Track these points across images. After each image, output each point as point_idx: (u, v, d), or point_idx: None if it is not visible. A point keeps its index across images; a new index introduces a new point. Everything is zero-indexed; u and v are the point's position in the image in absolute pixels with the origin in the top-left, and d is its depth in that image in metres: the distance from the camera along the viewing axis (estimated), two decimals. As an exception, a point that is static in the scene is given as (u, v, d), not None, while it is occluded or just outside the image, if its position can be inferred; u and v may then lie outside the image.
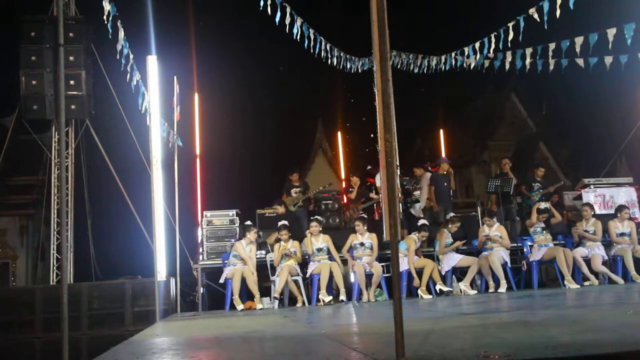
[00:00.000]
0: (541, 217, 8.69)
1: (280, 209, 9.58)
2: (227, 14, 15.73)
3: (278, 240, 8.46)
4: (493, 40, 9.35)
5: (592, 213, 8.70)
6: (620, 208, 8.81)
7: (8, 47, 10.17)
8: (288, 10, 8.32)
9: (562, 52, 9.21)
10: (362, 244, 8.34)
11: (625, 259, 8.34)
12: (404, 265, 8.25)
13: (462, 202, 15.91)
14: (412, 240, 8.47)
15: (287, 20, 8.33)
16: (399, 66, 10.93)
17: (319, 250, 8.31)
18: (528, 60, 9.69)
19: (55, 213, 9.83)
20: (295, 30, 8.55)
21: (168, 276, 8.34)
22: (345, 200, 10.62)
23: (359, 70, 10.72)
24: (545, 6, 8.34)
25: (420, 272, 8.24)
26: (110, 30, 7.72)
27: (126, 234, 10.04)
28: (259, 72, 17.41)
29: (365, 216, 9.03)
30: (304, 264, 8.47)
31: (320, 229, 8.46)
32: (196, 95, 11.14)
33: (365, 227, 8.41)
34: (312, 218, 8.78)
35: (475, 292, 8.36)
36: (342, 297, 7.96)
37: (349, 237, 8.50)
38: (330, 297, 7.96)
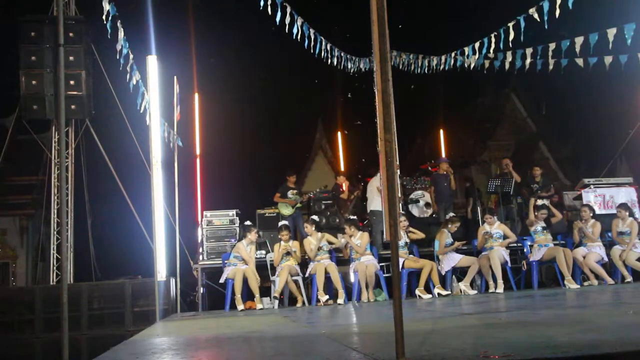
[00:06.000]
0: (540, 214, 8.68)
1: (292, 199, 9.60)
2: (227, 14, 15.73)
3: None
4: (493, 40, 9.35)
5: (592, 214, 8.67)
6: (619, 206, 8.79)
7: (8, 47, 10.16)
8: (288, 10, 8.33)
9: (562, 52, 9.21)
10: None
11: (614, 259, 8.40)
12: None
13: (462, 202, 15.86)
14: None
15: (287, 20, 8.34)
16: (399, 67, 10.93)
17: (319, 249, 8.30)
18: (528, 60, 9.70)
19: (55, 213, 9.82)
20: (295, 30, 8.55)
21: (168, 276, 8.34)
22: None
23: (360, 70, 10.71)
24: (545, 6, 8.35)
25: (419, 272, 8.23)
26: (110, 30, 7.73)
27: (126, 234, 10.03)
28: (259, 72, 17.37)
29: (355, 217, 8.98)
30: (304, 263, 8.47)
31: (314, 227, 8.44)
32: (196, 95, 11.14)
33: (353, 228, 8.33)
34: (306, 219, 8.76)
35: (475, 292, 8.36)
36: (340, 299, 7.92)
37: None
38: (327, 297, 7.94)
